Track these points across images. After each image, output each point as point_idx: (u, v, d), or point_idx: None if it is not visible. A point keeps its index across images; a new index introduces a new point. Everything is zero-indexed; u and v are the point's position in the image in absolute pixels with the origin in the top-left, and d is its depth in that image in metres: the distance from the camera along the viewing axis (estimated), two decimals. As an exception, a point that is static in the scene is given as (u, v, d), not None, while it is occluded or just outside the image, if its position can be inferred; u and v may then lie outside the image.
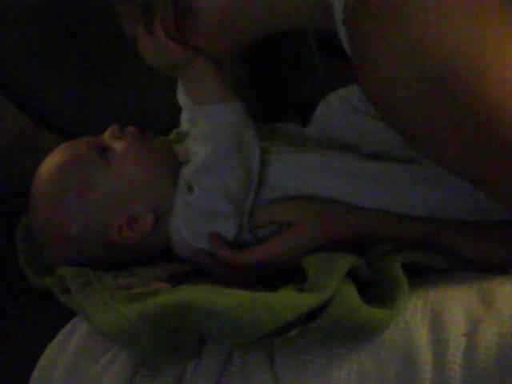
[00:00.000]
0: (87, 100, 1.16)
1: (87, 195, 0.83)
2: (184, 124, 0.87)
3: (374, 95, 0.70)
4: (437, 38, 0.64)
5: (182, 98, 0.87)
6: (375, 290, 0.75)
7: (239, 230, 0.83)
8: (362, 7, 0.68)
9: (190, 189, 0.83)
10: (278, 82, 1.12)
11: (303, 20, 0.79)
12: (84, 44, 1.14)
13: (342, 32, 0.72)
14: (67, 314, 0.78)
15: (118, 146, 0.85)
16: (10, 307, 0.84)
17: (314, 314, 0.69)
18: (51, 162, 0.86)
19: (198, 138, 0.83)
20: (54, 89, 1.15)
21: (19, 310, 0.84)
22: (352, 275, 0.75)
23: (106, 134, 0.87)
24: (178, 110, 0.95)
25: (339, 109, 0.92)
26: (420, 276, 0.77)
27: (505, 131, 0.64)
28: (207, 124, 0.82)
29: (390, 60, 0.66)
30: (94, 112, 1.16)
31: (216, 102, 0.81)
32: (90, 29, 1.14)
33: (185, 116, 0.87)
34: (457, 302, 0.71)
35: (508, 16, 0.65)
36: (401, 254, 0.78)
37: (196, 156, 0.82)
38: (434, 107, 0.66)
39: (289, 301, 0.69)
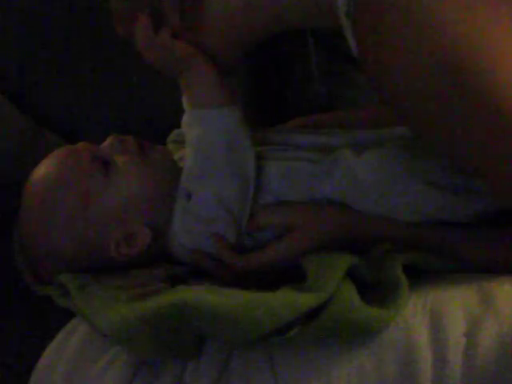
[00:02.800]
0: (87, 100, 1.16)
1: (84, 210, 0.81)
2: (184, 125, 0.87)
3: (379, 85, 0.70)
4: (441, 25, 0.64)
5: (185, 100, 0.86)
6: (375, 290, 0.75)
7: (238, 234, 0.83)
8: None
9: (188, 195, 0.82)
10: (276, 83, 1.12)
11: (309, 17, 0.78)
12: (84, 44, 1.14)
13: (346, 25, 0.72)
14: (67, 315, 0.78)
15: (119, 160, 0.83)
16: (9, 307, 0.84)
17: (313, 313, 0.69)
18: (48, 170, 0.84)
19: (191, 143, 0.82)
20: (54, 89, 1.15)
21: (19, 311, 0.84)
22: (352, 275, 0.75)
23: (106, 145, 0.85)
24: (180, 112, 0.95)
25: None
26: (420, 276, 0.77)
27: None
28: (201, 129, 0.81)
29: (394, 50, 0.66)
30: (95, 112, 1.16)
31: (212, 107, 0.80)
32: (90, 29, 1.14)
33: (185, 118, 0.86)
34: (457, 302, 0.70)
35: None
36: (401, 254, 0.78)
37: (186, 162, 0.82)
38: (440, 97, 0.65)
39: (288, 300, 0.69)
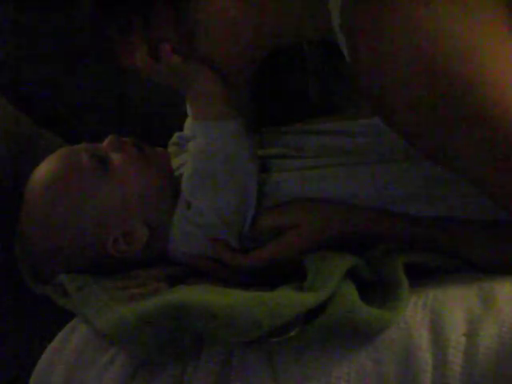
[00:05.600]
0: (88, 100, 1.16)
1: (83, 207, 0.82)
2: (187, 130, 0.87)
3: (372, 97, 0.70)
4: (434, 36, 0.64)
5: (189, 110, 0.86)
6: (375, 290, 0.74)
7: (239, 239, 0.83)
8: (358, 10, 0.68)
9: (189, 203, 0.82)
10: (273, 86, 1.12)
11: (308, 31, 0.79)
12: (85, 44, 1.14)
13: (341, 37, 0.72)
14: (67, 315, 0.78)
15: (117, 158, 0.84)
16: (9, 307, 0.84)
17: (313, 313, 0.69)
18: (48, 169, 0.85)
19: (192, 153, 0.82)
20: (54, 89, 1.15)
21: (19, 311, 0.84)
22: (352, 275, 0.75)
23: (105, 144, 0.86)
24: (182, 114, 0.95)
25: None
26: (420, 276, 0.77)
27: (501, 128, 0.65)
28: (203, 141, 0.81)
29: (386, 62, 0.66)
30: (95, 113, 1.16)
31: (215, 119, 0.80)
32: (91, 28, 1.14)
33: (189, 123, 0.86)
34: (457, 302, 0.71)
35: (501, 11, 0.66)
36: (401, 254, 0.78)
37: (186, 170, 0.82)
38: (431, 106, 0.66)
39: (287, 300, 0.69)
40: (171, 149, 0.99)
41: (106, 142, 0.86)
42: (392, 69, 0.66)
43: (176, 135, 1.00)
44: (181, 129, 1.01)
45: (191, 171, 0.82)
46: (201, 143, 0.81)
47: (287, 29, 0.79)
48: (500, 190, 0.70)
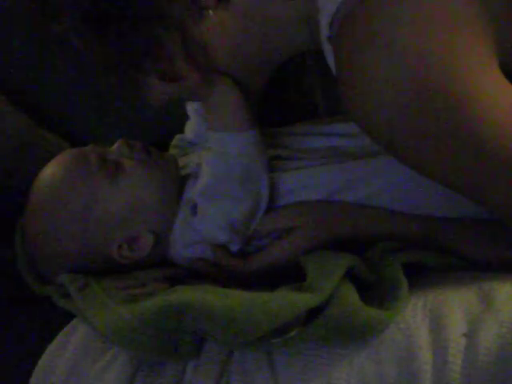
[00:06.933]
0: (87, 100, 1.16)
1: (90, 211, 0.82)
2: (188, 132, 0.86)
3: (355, 112, 0.69)
4: (418, 53, 0.64)
5: (189, 109, 0.86)
6: (375, 291, 0.75)
7: (242, 245, 0.83)
8: (348, 23, 0.67)
9: (194, 209, 0.82)
10: (274, 95, 1.12)
11: (306, 43, 0.79)
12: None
13: (327, 49, 0.72)
14: (67, 315, 0.78)
15: (126, 164, 0.84)
16: (9, 308, 0.84)
17: (313, 314, 0.69)
18: (56, 170, 0.84)
19: (209, 162, 0.81)
20: (54, 89, 1.15)
21: (19, 311, 0.84)
22: (352, 275, 0.75)
23: (115, 149, 0.85)
24: (181, 116, 0.95)
25: None
26: (420, 276, 0.77)
27: (486, 143, 0.65)
28: (220, 151, 0.80)
29: (370, 76, 0.66)
30: (95, 113, 1.16)
31: (232, 130, 0.79)
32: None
33: (190, 126, 0.86)
34: (457, 302, 0.71)
35: (483, 26, 0.66)
36: (401, 254, 0.78)
37: (202, 179, 0.82)
38: (416, 123, 0.66)
39: (286, 301, 0.69)
40: (172, 151, 0.99)
41: (115, 146, 0.86)
42: (377, 89, 0.66)
43: (176, 137, 1.00)
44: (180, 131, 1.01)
45: (207, 179, 0.81)
46: (217, 153, 0.80)
47: (290, 42, 0.78)
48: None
